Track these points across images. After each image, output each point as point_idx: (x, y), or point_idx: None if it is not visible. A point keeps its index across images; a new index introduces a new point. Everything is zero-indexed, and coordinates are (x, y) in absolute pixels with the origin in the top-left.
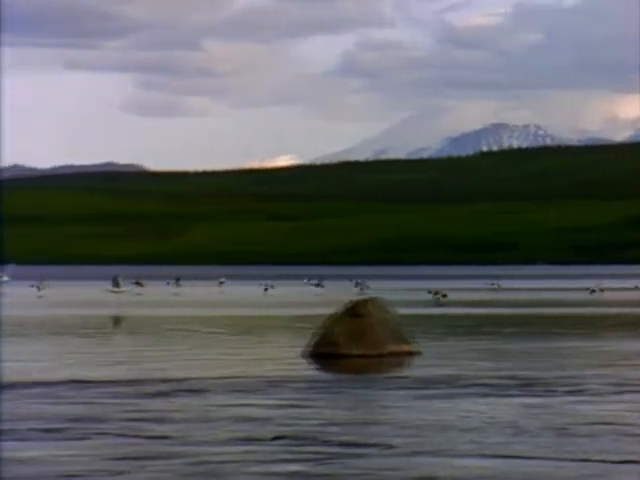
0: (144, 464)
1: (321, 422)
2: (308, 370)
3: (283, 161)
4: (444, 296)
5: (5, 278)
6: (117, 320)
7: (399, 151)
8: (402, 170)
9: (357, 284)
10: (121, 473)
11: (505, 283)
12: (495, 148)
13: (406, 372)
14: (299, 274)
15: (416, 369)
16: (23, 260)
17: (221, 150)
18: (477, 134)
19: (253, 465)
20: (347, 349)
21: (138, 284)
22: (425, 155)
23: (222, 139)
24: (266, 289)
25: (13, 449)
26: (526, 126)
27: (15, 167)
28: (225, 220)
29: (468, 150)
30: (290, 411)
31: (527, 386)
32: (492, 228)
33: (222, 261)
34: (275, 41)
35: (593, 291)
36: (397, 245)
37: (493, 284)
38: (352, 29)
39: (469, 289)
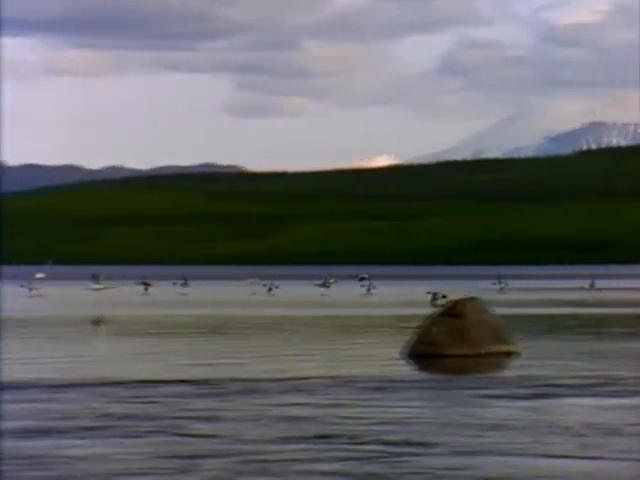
0: (197, 463)
1: (400, 420)
2: (404, 370)
3: (381, 161)
4: (444, 297)
5: (41, 275)
6: (218, 320)
7: (497, 150)
8: (500, 169)
9: (361, 279)
10: (174, 472)
11: (605, 283)
12: (594, 147)
13: (503, 372)
14: (395, 274)
15: (513, 369)
16: (122, 260)
17: (319, 150)
18: (576, 133)
19: (309, 463)
20: (446, 349)
21: (145, 284)
22: (523, 154)
23: (320, 139)
24: (270, 289)
25: (65, 447)
26: (625, 124)
27: (114, 168)
28: (324, 220)
29: (567, 149)
30: (370, 410)
31: (624, 387)
32: (592, 227)
33: (321, 261)
34: (373, 41)
35: None
36: (497, 245)
37: (495, 283)
38: (450, 28)
39: (568, 289)
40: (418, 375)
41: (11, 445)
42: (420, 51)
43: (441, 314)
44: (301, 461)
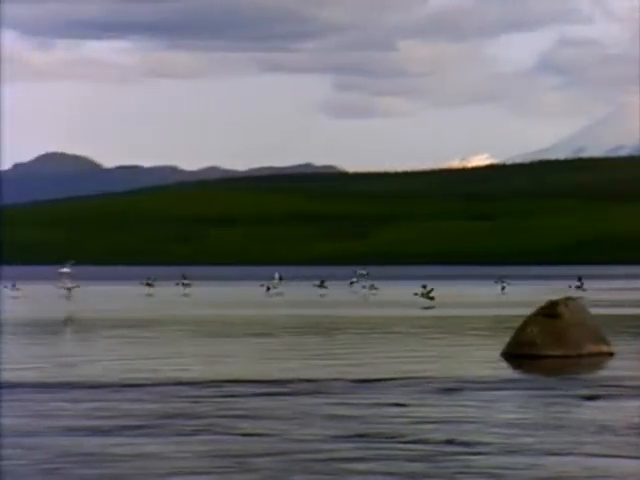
0: (248, 461)
1: (474, 420)
2: (500, 370)
3: (478, 160)
4: (430, 297)
5: (66, 269)
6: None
7: (597, 149)
8: (601, 168)
9: (356, 278)
10: (229, 471)
11: None
12: None
13: (600, 373)
14: (493, 274)
15: (611, 370)
16: (219, 261)
17: (416, 150)
18: None
19: (358, 463)
20: (544, 350)
21: (149, 285)
22: (624, 153)
23: (417, 139)
24: (268, 289)
25: (118, 445)
26: None
27: (212, 169)
28: (423, 220)
29: None
30: (439, 410)
31: None
32: None
33: (420, 261)
34: (469, 40)
35: None
36: (597, 244)
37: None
38: (548, 26)
39: None
40: (508, 375)
41: (65, 443)
42: (517, 49)
43: (538, 314)
44: (350, 460)
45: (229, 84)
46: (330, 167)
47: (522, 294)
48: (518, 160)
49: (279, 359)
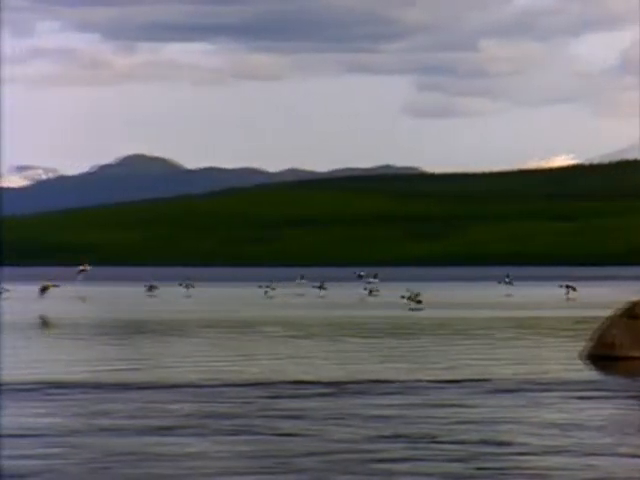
0: (290, 462)
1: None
2: (577, 372)
3: (560, 161)
4: (418, 301)
5: (87, 268)
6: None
7: None
8: None
9: (360, 276)
10: (273, 471)
11: None
12: None
13: None
14: (577, 276)
15: None
16: (299, 262)
17: (498, 150)
18: None
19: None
20: (624, 351)
21: (152, 287)
22: None
23: (499, 139)
24: (266, 292)
25: (161, 444)
26: None
27: (293, 170)
28: (505, 220)
29: None
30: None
31: None
32: None
33: (502, 262)
34: (552, 39)
35: None
36: None
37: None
38: (632, 26)
39: None
40: (585, 377)
41: (114, 442)
42: (600, 49)
43: (620, 315)
44: (389, 461)
45: (312, 85)
46: (411, 168)
47: (599, 295)
48: (600, 160)
49: (354, 360)
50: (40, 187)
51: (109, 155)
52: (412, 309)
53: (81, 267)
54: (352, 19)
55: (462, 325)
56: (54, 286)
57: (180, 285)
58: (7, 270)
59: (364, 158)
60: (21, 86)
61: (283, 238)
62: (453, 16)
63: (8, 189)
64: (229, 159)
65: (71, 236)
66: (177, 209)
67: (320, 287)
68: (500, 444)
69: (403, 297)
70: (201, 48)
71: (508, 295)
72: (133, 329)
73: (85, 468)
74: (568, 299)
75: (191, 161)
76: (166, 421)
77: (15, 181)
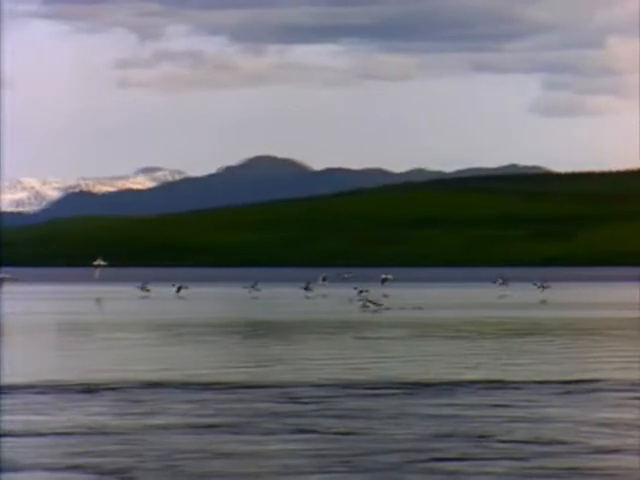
0: (349, 460)
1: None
2: None
3: None
4: (376, 304)
5: (102, 263)
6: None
7: None
8: None
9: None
10: (339, 470)
11: None
12: None
13: None
14: None
15: None
16: (424, 262)
17: (626, 148)
18: None
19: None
20: None
21: (144, 289)
22: None
23: (627, 137)
24: (253, 290)
25: (243, 442)
26: None
27: (419, 171)
28: (630, 220)
29: None
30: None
31: None
32: None
33: (633, 262)
34: None
35: None
36: None
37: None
38: None
39: None
40: None
41: (184, 440)
42: None
43: None
44: (442, 460)
45: (438, 85)
46: (536, 167)
47: None
48: None
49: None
50: (166, 189)
51: (235, 157)
52: (366, 310)
53: (95, 263)
54: (477, 18)
55: (590, 325)
56: (184, 288)
57: (312, 285)
58: (139, 271)
59: (490, 158)
60: (148, 89)
61: (409, 239)
62: (578, 14)
63: (134, 190)
64: (355, 160)
65: (196, 237)
66: (303, 210)
67: (306, 288)
68: (561, 443)
69: (360, 299)
70: (329, 49)
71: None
72: (262, 329)
73: (160, 465)
74: None
75: (318, 162)
76: (233, 419)
77: (141, 182)
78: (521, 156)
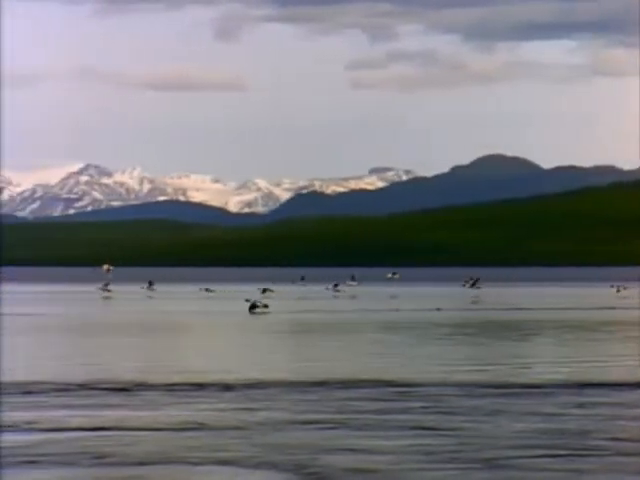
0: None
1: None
2: None
3: None
4: (265, 306)
5: (111, 268)
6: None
7: None
8: None
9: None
10: (470, 467)
11: None
12: None
13: None
14: None
15: None
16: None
17: None
18: None
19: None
20: None
21: (151, 285)
22: None
23: None
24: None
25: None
26: None
27: (610, 168)
28: None
29: None
30: None
31: None
32: None
33: None
34: None
35: None
36: None
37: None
38: None
39: None
40: None
41: (305, 435)
42: None
43: None
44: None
45: (608, 83)
46: None
47: None
48: None
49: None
50: (396, 189)
51: (466, 156)
52: (257, 313)
53: (105, 267)
54: None
55: None
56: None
57: None
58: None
59: None
60: (380, 90)
61: (638, 238)
62: None
63: (364, 191)
64: (585, 157)
65: (424, 236)
66: (531, 209)
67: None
68: None
69: (247, 300)
70: (560, 46)
71: None
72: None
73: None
74: None
75: (547, 160)
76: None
77: (372, 183)
78: None
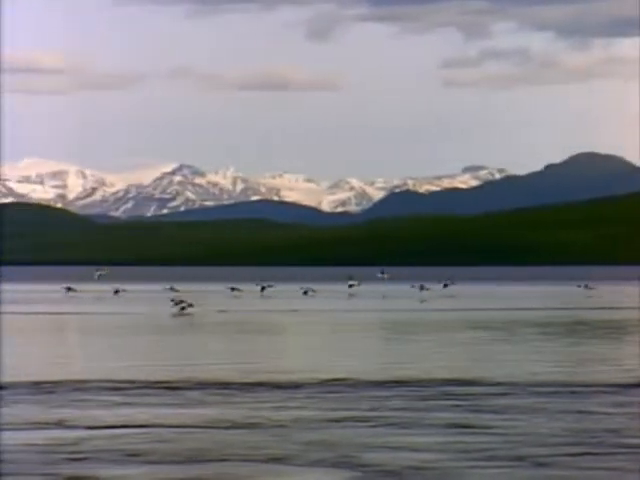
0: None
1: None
2: None
3: None
4: (189, 305)
5: (105, 272)
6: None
7: None
8: None
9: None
10: (517, 466)
11: None
12: None
13: None
14: None
15: None
16: None
17: None
18: None
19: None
20: None
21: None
22: None
23: None
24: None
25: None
26: None
27: None
28: None
29: None
30: None
31: None
32: None
33: None
34: None
35: None
36: None
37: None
38: None
39: None
40: None
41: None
42: None
43: None
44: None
45: None
46: None
47: None
48: None
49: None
50: (489, 187)
51: (559, 154)
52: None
53: (99, 272)
54: None
55: None
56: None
57: None
58: (462, 270)
59: None
60: (474, 88)
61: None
62: None
63: (458, 189)
64: None
65: (518, 236)
66: (628, 208)
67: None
68: None
69: (173, 299)
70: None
71: None
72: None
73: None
74: None
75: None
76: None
77: (465, 181)
78: None
